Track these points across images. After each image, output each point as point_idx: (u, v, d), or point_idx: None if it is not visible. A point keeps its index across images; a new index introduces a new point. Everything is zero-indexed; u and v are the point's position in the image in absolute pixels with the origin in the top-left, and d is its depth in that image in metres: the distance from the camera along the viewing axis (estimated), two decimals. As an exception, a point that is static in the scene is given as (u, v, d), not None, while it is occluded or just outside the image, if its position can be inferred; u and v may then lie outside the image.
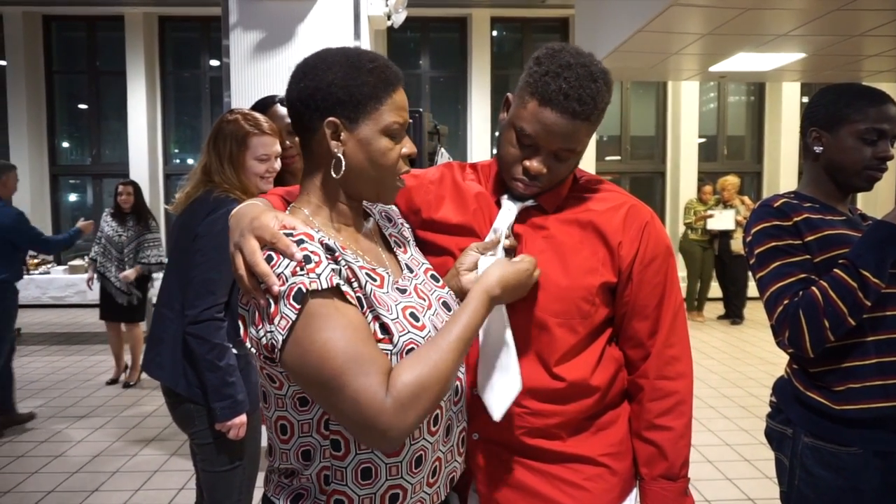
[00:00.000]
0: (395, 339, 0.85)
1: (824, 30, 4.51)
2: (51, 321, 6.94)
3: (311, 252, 0.81)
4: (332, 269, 0.81)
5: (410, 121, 0.95)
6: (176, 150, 8.40)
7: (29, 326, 6.62)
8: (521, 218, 1.08)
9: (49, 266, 5.99)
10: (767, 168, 8.42)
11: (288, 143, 1.87)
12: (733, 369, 4.92)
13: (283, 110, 1.88)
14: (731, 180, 6.57)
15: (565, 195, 1.10)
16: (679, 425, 1.07)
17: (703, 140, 8.32)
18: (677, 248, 7.03)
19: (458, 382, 0.98)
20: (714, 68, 5.77)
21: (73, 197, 8.68)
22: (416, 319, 0.90)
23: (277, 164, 1.78)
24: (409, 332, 0.87)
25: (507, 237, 1.04)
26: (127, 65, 7.73)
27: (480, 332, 1.01)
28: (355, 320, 0.81)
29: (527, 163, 1.02)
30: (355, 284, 0.85)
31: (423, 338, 0.88)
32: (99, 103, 8.30)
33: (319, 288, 0.79)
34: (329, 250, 0.83)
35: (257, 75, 2.99)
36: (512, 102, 1.06)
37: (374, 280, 0.90)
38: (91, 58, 8.26)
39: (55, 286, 5.55)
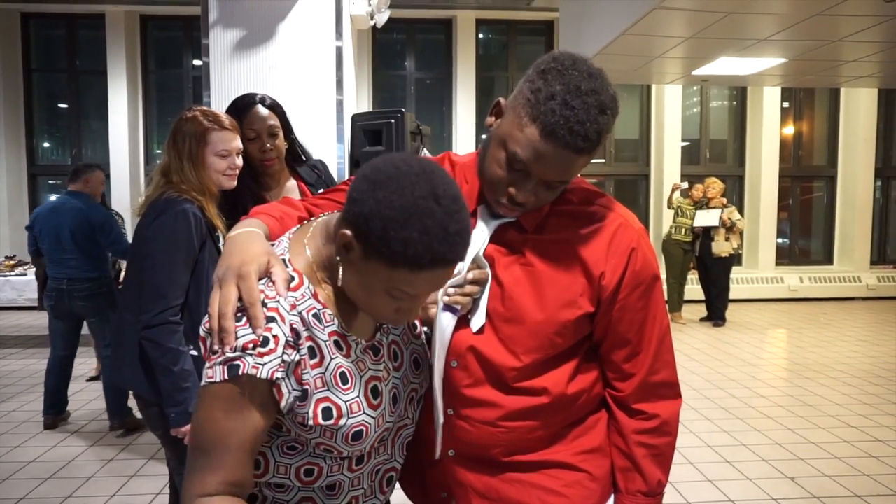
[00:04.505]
0: (344, 422, 0.86)
1: (804, 35, 4.57)
2: (27, 323, 6.81)
3: (273, 336, 0.79)
4: (283, 361, 0.80)
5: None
6: (158, 151, 8.30)
7: (4, 329, 6.50)
8: (498, 236, 1.00)
9: (26, 268, 5.87)
10: (749, 171, 8.52)
11: (269, 145, 1.84)
12: (715, 371, 4.95)
13: (264, 111, 1.86)
14: (719, 184, 6.59)
15: (547, 211, 1.01)
16: (660, 444, 1.04)
17: (686, 143, 8.38)
18: (660, 250, 7.07)
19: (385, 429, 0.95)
20: (697, 72, 5.82)
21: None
22: (376, 395, 0.90)
23: (239, 161, 1.76)
24: (362, 413, 0.87)
25: (470, 270, 0.96)
26: (108, 64, 7.62)
27: (435, 360, 1.01)
28: (252, 425, 0.80)
29: (513, 191, 0.93)
30: (308, 374, 0.83)
31: (375, 418, 0.88)
32: (79, 102, 8.18)
33: (257, 375, 0.78)
34: (296, 334, 0.82)
35: (237, 75, 2.96)
36: (505, 112, 0.94)
37: (341, 349, 0.87)
38: (71, 56, 8.14)
39: (32, 288, 5.43)
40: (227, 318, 0.80)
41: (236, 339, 0.79)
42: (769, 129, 8.20)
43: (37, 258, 3.82)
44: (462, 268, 0.97)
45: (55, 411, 3.72)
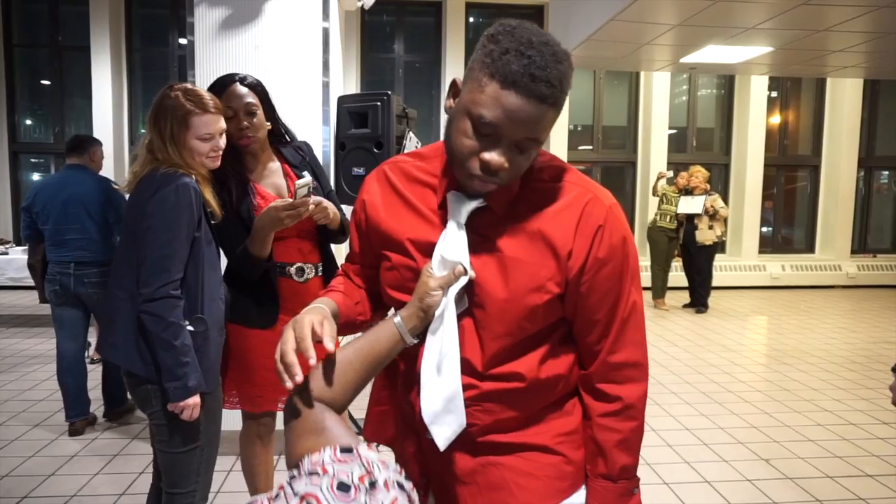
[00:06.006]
0: None
1: (791, 24, 4.59)
2: (10, 303, 6.75)
3: None
4: None
5: None
6: (143, 130, 8.18)
7: (-13, 308, 6.44)
8: (468, 222, 0.99)
9: (7, 246, 5.81)
10: (735, 160, 8.58)
11: (245, 123, 1.84)
12: (696, 356, 5.02)
13: (242, 89, 1.84)
14: (703, 172, 6.62)
15: (517, 192, 0.99)
16: (624, 429, 1.02)
17: (673, 131, 8.42)
18: (645, 237, 7.13)
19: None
20: (685, 59, 5.83)
21: (35, 175, 8.43)
22: None
23: (222, 142, 1.74)
24: None
25: (466, 270, 0.96)
26: (91, 40, 7.49)
27: (430, 365, 0.97)
28: None
29: (486, 156, 0.89)
30: None
31: None
32: (62, 79, 8.04)
33: None
34: None
35: (223, 54, 2.93)
36: (462, 88, 0.93)
37: None
38: (54, 32, 7.99)
39: (14, 267, 5.39)
40: (287, 355, 0.87)
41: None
42: (755, 119, 8.26)
43: (36, 244, 3.36)
44: (458, 270, 0.96)
45: (77, 412, 3.29)
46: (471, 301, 0.99)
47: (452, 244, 0.97)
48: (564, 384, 1.05)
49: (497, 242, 0.98)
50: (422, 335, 0.99)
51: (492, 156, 0.89)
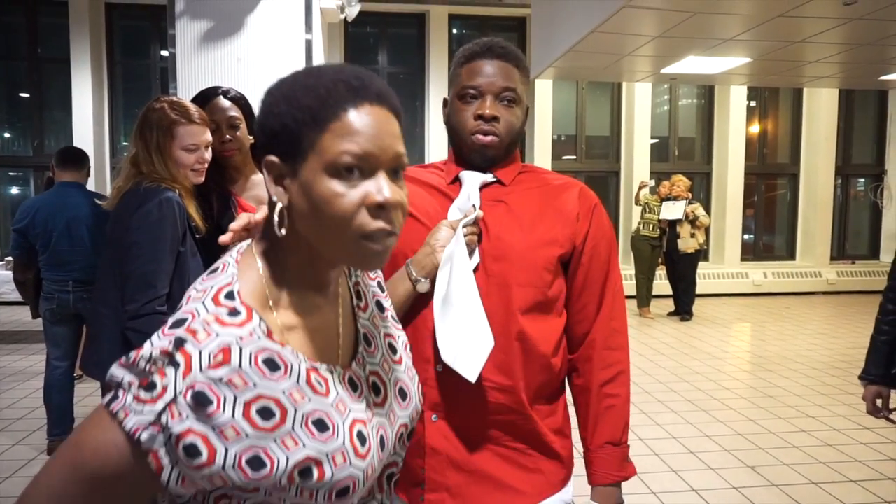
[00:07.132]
0: (328, 478, 0.67)
1: (768, 35, 4.67)
2: (-13, 319, 6.62)
3: (162, 386, 0.62)
4: (158, 423, 0.60)
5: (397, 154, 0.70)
6: (125, 143, 8.11)
7: (-37, 325, 6.30)
8: (481, 190, 1.13)
9: (-15, 262, 5.71)
10: (716, 169, 8.69)
11: (228, 136, 1.83)
12: (681, 364, 5.05)
13: (225, 103, 1.84)
14: (685, 181, 6.70)
15: (518, 171, 1.16)
16: (622, 393, 1.14)
17: (655, 141, 8.51)
18: (628, 246, 7.18)
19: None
20: (666, 70, 5.91)
21: (14, 189, 8.30)
22: (363, 441, 0.71)
23: (208, 154, 1.74)
24: (349, 465, 0.68)
25: (475, 209, 1.08)
26: (71, 52, 7.41)
27: (440, 300, 1.04)
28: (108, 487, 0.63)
29: (478, 110, 1.08)
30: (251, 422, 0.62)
31: (364, 469, 0.69)
32: (41, 92, 7.95)
33: (124, 427, 0.61)
34: (199, 402, 0.60)
35: (205, 67, 2.91)
36: (448, 98, 1.16)
37: (320, 387, 0.69)
38: (32, 44, 7.90)
39: (-6, 282, 5.31)
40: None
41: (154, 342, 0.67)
42: (736, 128, 8.38)
43: (26, 266, 3.22)
44: (465, 210, 1.09)
45: (60, 431, 3.17)
46: (491, 255, 1.08)
47: (466, 198, 1.11)
48: (558, 376, 1.13)
49: (511, 204, 1.13)
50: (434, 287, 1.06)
51: (483, 108, 1.09)
